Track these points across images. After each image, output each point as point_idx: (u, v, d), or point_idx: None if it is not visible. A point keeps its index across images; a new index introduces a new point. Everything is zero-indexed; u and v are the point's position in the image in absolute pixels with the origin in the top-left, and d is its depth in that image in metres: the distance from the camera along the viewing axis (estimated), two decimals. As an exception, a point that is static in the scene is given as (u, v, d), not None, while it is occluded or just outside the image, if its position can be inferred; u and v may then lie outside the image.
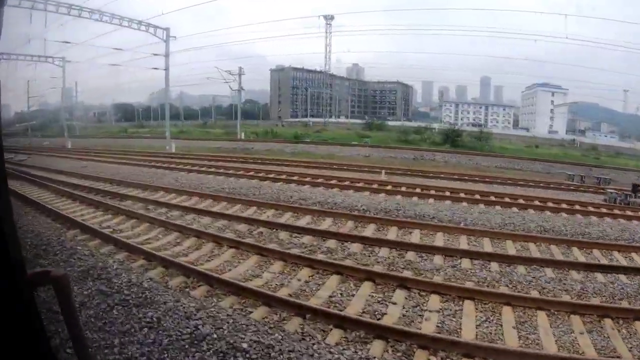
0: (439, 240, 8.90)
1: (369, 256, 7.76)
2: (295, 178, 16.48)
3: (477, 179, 19.23)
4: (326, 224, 10.05)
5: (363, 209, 11.38)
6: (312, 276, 6.77)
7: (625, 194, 15.09)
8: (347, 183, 15.70)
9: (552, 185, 18.50)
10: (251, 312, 5.39)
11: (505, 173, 23.99)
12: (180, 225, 9.39)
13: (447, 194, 14.39)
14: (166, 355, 4.05)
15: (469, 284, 6.47)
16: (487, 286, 6.50)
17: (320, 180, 16.20)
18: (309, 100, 77.25)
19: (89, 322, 4.65)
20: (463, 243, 8.73)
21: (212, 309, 5.09)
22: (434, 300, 5.90)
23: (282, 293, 6.00)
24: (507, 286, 6.53)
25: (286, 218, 10.60)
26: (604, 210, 12.80)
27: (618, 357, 4.77)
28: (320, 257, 7.56)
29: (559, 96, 78.30)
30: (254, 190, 13.71)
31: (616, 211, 12.65)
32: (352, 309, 5.56)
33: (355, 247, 8.22)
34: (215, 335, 4.38)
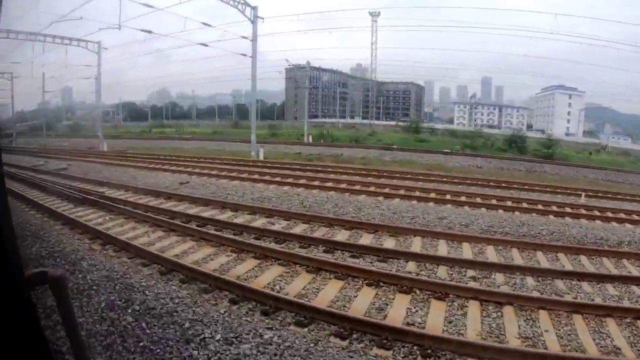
0: None
1: None
2: (524, 205, 11.91)
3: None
4: None
5: None
6: None
7: None
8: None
9: None
10: None
11: (621, 188, 19.60)
12: None
13: None
14: None
15: None
16: None
17: (553, 207, 11.81)
18: (337, 101, 70.91)
19: None
20: None
21: None
22: None
23: None
24: None
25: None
26: None
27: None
28: None
29: (575, 98, 74.58)
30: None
31: None
32: None
33: None
34: None
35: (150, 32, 17.25)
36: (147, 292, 5.38)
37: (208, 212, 9.51)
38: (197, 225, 8.38)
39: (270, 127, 42.14)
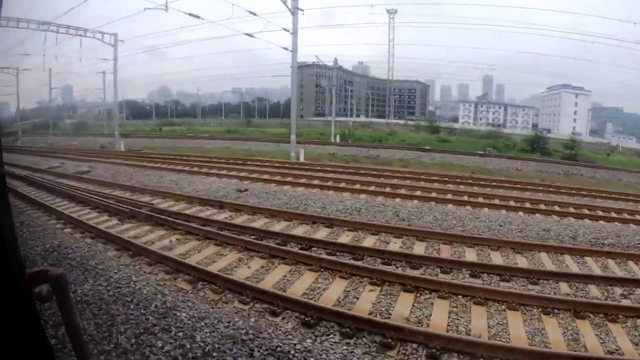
0: None
1: None
2: (600, 213, 11.14)
3: None
4: None
5: None
6: None
7: None
8: None
9: None
10: None
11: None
12: None
13: None
14: None
15: None
16: None
17: (625, 214, 10.93)
18: (348, 100, 69.19)
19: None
20: None
21: None
22: None
23: None
24: None
25: None
26: None
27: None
28: None
29: (581, 97, 73.73)
30: None
31: None
32: None
33: None
34: None
35: (198, 17, 15.39)
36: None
37: (300, 229, 7.88)
38: (301, 248, 6.77)
39: (287, 126, 40.26)
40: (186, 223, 8.13)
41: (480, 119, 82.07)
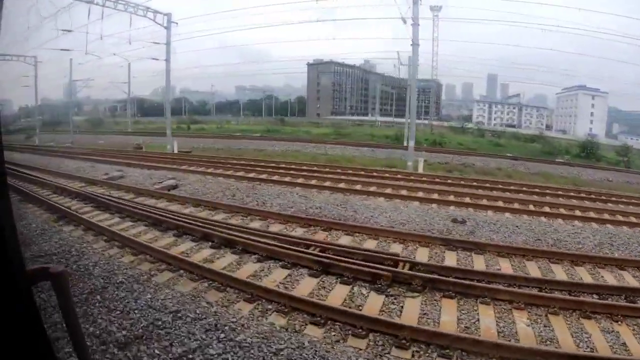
0: None
1: None
2: None
3: None
4: None
5: None
6: None
7: None
8: None
9: None
10: None
11: None
12: None
13: None
14: None
15: None
16: None
17: None
18: (377, 99, 67.00)
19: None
20: None
21: None
22: None
23: None
24: None
25: None
26: None
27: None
28: None
29: (598, 99, 73.21)
30: None
31: None
32: None
33: None
34: None
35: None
36: None
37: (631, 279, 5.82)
38: None
39: (336, 126, 37.97)
40: (515, 290, 5.37)
41: (495, 119, 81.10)
